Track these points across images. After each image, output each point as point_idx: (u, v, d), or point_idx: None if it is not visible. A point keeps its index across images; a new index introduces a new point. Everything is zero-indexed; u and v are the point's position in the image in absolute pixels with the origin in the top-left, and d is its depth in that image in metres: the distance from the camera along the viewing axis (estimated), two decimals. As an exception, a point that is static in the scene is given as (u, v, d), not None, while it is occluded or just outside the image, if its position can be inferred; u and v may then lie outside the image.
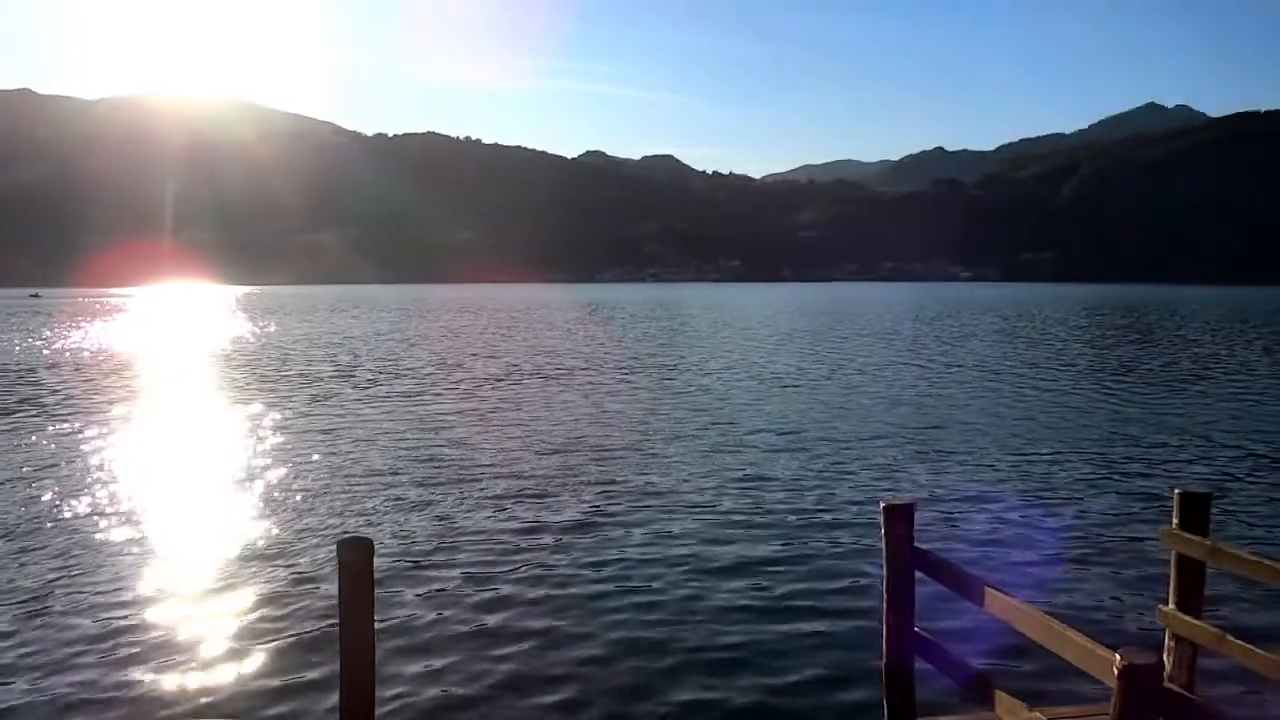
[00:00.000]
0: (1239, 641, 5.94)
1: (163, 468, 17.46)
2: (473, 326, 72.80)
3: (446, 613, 9.81)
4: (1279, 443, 20.22)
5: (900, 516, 6.18)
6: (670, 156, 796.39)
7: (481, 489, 15.45)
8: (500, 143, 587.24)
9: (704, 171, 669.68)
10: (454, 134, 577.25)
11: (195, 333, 68.20)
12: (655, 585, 10.76)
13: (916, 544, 6.17)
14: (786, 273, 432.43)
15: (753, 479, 16.26)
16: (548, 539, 12.50)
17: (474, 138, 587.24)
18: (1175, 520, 6.52)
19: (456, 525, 13.22)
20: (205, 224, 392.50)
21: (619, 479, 16.24)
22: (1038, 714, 4.95)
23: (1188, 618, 6.44)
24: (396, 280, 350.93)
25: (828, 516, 13.67)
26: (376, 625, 6.09)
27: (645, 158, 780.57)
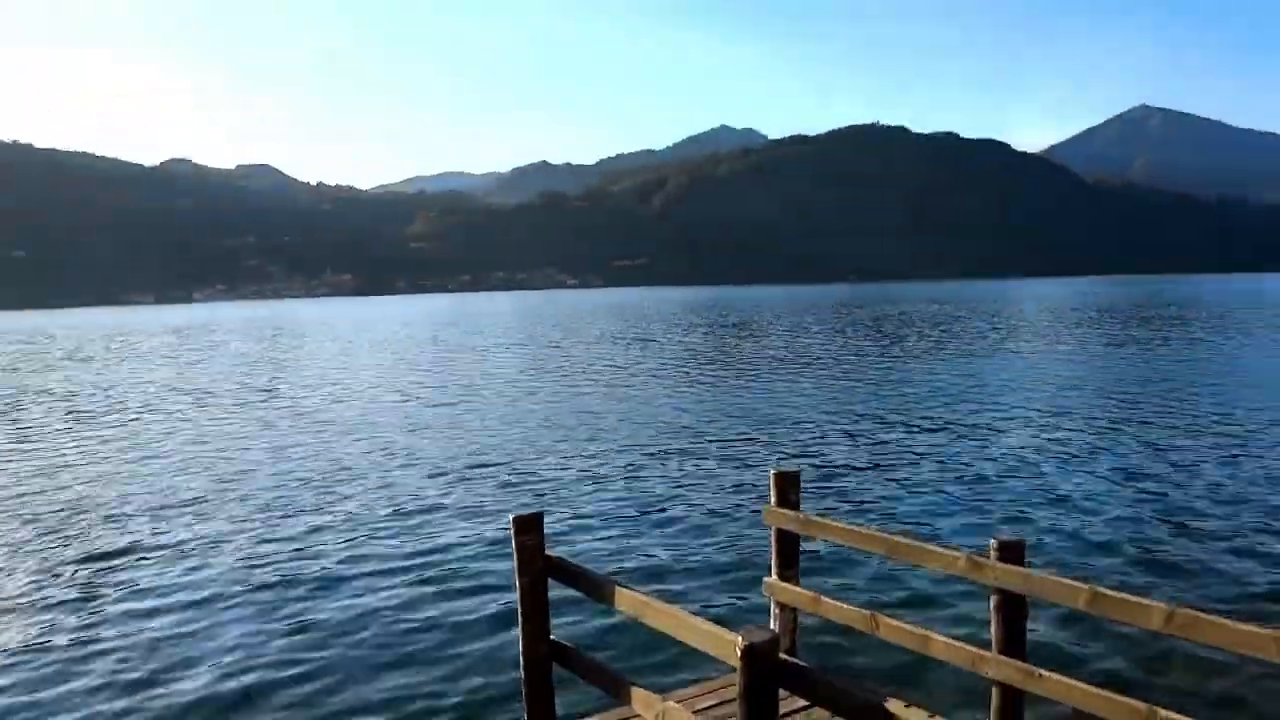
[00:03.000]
0: (830, 601, 6.63)
1: None
2: None
3: None
4: (847, 421, 23.50)
5: (529, 527, 6.11)
6: (268, 165, 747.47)
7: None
8: (58, 148, 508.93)
9: (307, 182, 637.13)
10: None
11: None
12: (279, 626, 9.79)
13: (548, 552, 6.13)
14: (400, 285, 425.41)
15: (374, 503, 15.50)
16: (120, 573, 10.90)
17: (23, 142, 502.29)
18: (773, 498, 7.13)
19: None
20: None
21: (219, 513, 14.67)
22: (671, 703, 5.09)
23: (787, 585, 7.08)
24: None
25: (455, 535, 13.36)
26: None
27: (241, 166, 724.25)
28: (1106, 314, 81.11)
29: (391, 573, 11.62)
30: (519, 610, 6.25)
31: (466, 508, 14.94)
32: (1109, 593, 4.95)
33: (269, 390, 34.36)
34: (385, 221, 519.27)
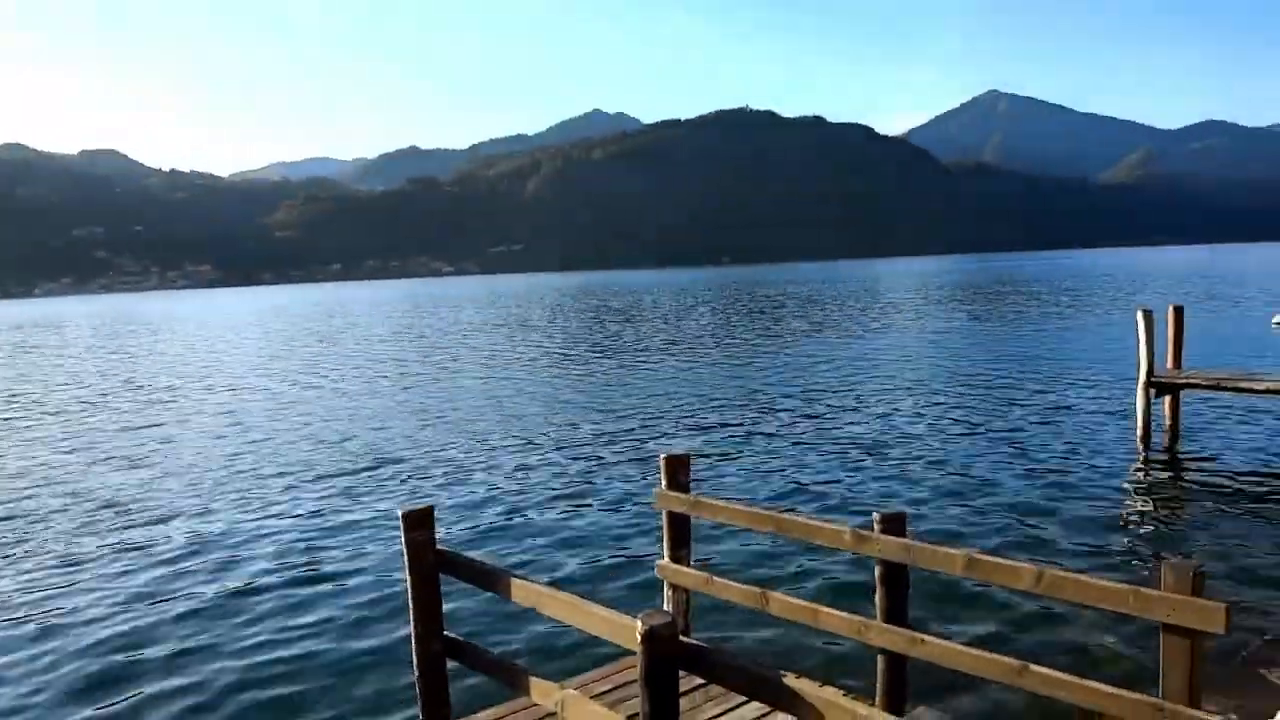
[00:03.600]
0: (722, 580, 6.76)
1: None
2: None
3: None
4: (733, 401, 23.94)
5: (420, 521, 5.98)
6: (115, 151, 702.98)
7: None
8: None
9: (159, 168, 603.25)
10: None
11: None
12: (162, 623, 9.30)
13: (439, 546, 6.02)
14: (266, 276, 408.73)
15: (255, 506, 14.89)
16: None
17: None
18: (664, 481, 7.20)
19: None
20: None
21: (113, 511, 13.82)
22: (569, 690, 5.10)
23: (679, 567, 7.18)
24: None
25: (342, 532, 12.96)
26: None
27: (85, 152, 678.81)
28: (963, 291, 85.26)
29: (277, 574, 11.19)
30: (410, 607, 6.12)
31: (352, 504, 14.52)
32: (983, 558, 5.22)
33: (140, 391, 32.52)
34: (247, 209, 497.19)
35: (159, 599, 10.52)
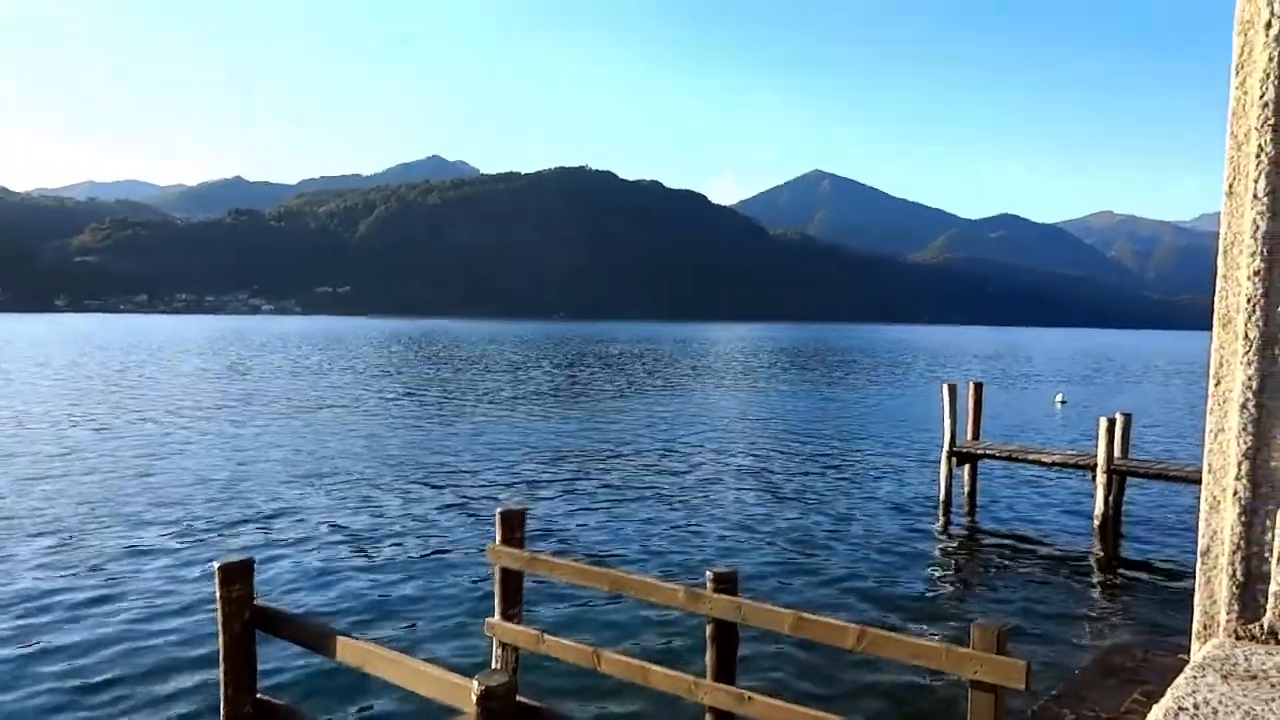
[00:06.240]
0: (553, 638, 6.68)
1: None
2: None
3: None
4: (570, 456, 23.85)
5: (237, 574, 5.64)
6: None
7: None
8: None
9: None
10: None
11: None
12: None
13: (257, 601, 5.69)
14: (60, 302, 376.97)
15: (58, 552, 13.54)
16: None
17: None
18: (498, 536, 7.10)
19: None
20: None
21: None
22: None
23: (510, 625, 7.06)
24: None
25: (154, 584, 11.95)
26: None
27: None
28: (787, 357, 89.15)
29: (83, 630, 10.17)
30: (221, 666, 5.73)
31: (166, 554, 13.43)
32: (811, 617, 5.43)
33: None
34: (45, 230, 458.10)
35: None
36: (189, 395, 38.88)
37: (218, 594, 5.62)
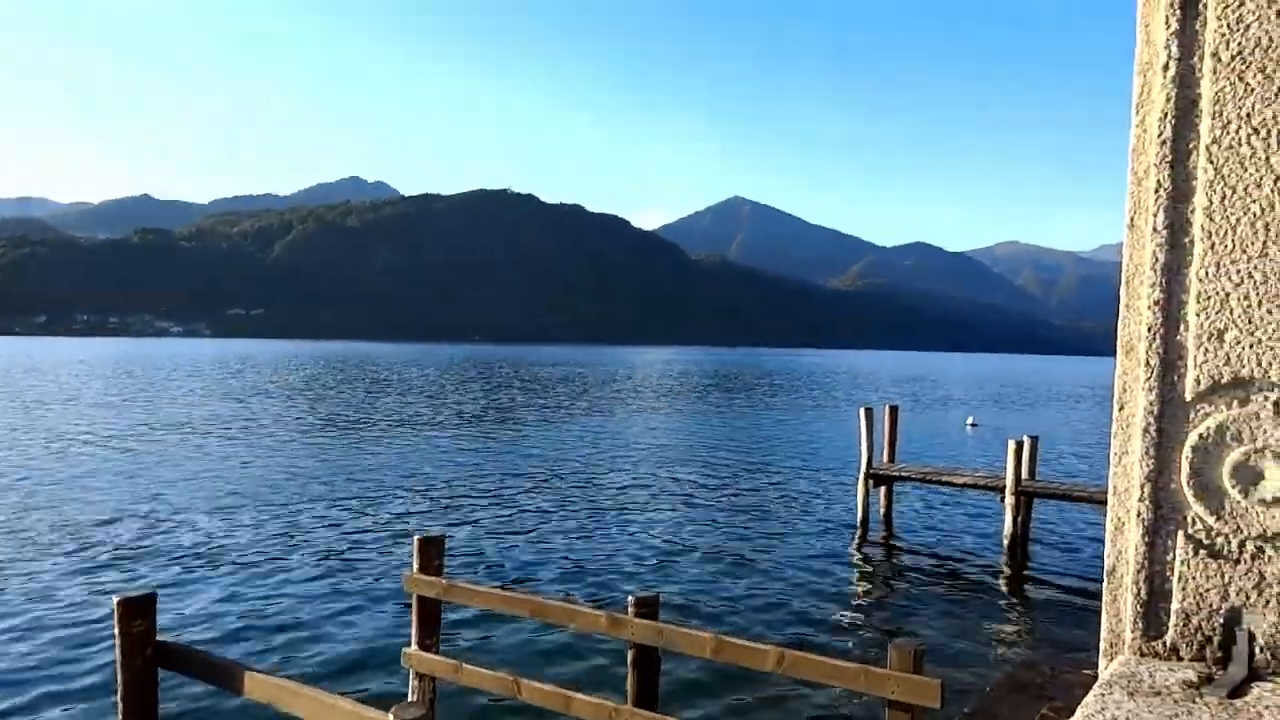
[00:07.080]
0: (471, 667, 6.56)
1: None
2: None
3: None
4: (491, 481, 23.52)
5: (138, 610, 5.39)
6: None
7: None
8: None
9: None
10: None
11: None
12: None
13: (160, 638, 5.44)
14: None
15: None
16: None
17: None
18: (415, 564, 6.94)
19: None
20: None
21: None
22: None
23: (428, 655, 6.90)
24: None
25: (50, 620, 11.32)
26: None
27: None
28: (708, 380, 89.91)
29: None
30: (120, 707, 5.46)
31: (65, 588, 12.75)
32: (731, 640, 5.44)
33: None
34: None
35: None
36: (88, 422, 37.23)
37: (116, 630, 5.36)
